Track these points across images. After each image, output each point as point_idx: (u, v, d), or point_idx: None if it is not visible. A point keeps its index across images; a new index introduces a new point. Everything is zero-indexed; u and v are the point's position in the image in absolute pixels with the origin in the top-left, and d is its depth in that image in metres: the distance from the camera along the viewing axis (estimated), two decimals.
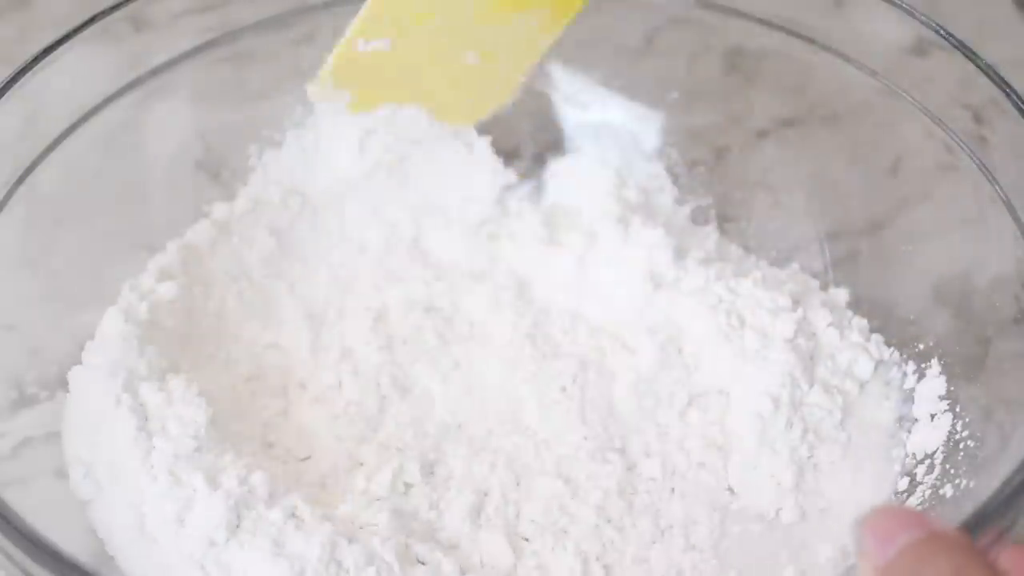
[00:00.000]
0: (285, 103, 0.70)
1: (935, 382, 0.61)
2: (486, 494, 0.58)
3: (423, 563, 0.55)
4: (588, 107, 0.73)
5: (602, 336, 0.65)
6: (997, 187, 0.59)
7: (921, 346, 0.63)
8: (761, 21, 0.67)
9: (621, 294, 0.65)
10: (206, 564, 0.54)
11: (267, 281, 0.67)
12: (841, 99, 0.68)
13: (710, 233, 0.70)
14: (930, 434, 0.60)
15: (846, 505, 0.59)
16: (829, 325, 0.63)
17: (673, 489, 0.59)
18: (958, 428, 0.59)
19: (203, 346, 0.64)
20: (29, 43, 0.68)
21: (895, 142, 0.66)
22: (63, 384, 0.61)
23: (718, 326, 0.62)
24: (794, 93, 0.69)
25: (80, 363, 0.61)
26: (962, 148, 0.61)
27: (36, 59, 0.60)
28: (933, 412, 0.60)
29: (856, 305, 0.66)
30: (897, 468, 0.60)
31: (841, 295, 0.67)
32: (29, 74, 0.60)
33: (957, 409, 0.60)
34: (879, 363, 0.63)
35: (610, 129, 0.73)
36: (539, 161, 0.73)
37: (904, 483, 0.59)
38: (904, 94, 0.64)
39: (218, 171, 0.69)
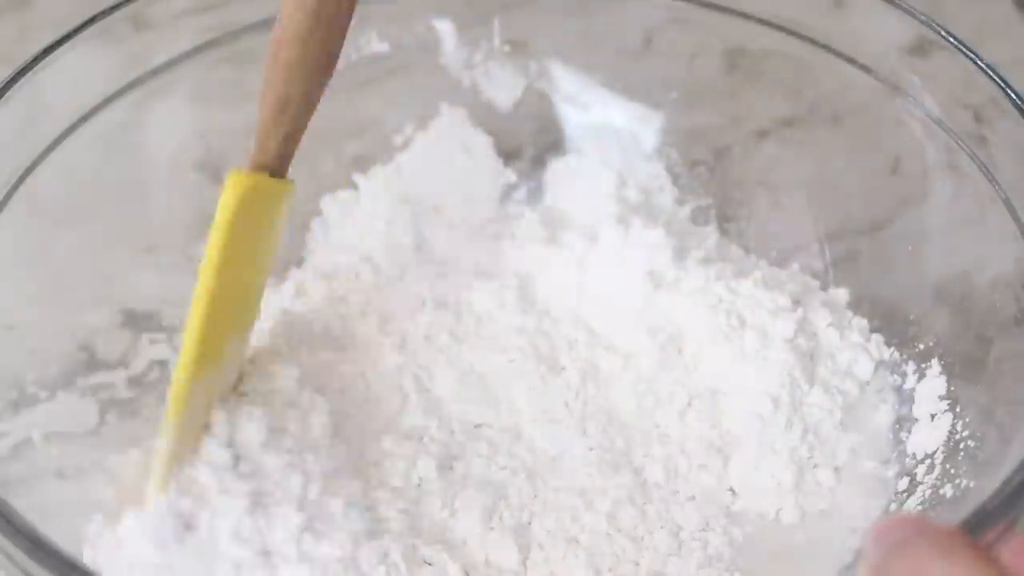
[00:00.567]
0: None
1: (935, 382, 0.61)
2: (502, 498, 0.58)
3: (429, 564, 0.55)
4: (588, 108, 0.73)
5: (602, 339, 0.64)
6: (997, 187, 0.59)
7: (921, 346, 0.63)
8: (761, 21, 0.67)
9: (621, 294, 0.65)
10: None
11: None
12: (841, 99, 0.68)
13: (710, 233, 0.70)
14: (930, 434, 0.60)
15: (845, 507, 0.59)
16: (829, 325, 0.63)
17: (678, 491, 0.59)
18: (958, 428, 0.59)
19: None
20: (29, 43, 0.68)
21: (895, 142, 0.66)
22: (63, 384, 0.61)
23: (718, 326, 0.62)
24: (794, 93, 0.69)
25: (80, 363, 0.61)
26: (962, 148, 0.61)
27: (36, 59, 0.60)
28: (933, 412, 0.60)
29: (856, 305, 0.66)
30: (897, 469, 0.60)
31: (841, 295, 0.67)
32: (29, 74, 0.60)
33: (957, 409, 0.60)
34: (879, 363, 0.63)
35: (610, 129, 0.73)
36: (539, 162, 0.73)
37: (904, 483, 0.59)
38: (904, 94, 0.64)
39: (218, 171, 0.69)
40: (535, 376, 0.62)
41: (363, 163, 0.72)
